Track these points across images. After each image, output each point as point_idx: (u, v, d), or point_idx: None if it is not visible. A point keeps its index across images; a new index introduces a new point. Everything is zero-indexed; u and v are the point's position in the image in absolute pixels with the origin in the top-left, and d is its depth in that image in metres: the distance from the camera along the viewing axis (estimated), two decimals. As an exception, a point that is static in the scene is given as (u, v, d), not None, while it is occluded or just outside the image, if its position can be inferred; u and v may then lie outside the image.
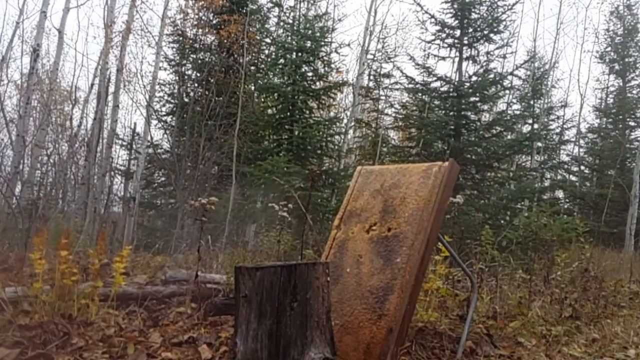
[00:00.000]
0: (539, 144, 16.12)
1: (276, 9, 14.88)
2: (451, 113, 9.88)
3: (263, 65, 13.26)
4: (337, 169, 10.87)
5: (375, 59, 17.77)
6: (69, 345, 2.58)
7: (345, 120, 15.35)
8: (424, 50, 12.42)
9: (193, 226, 10.66)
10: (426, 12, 10.50)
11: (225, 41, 12.47)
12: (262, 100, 12.37)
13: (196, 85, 13.45)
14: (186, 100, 13.11)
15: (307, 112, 9.85)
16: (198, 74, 13.21)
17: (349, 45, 21.03)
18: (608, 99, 20.55)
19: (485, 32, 10.26)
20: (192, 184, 11.34)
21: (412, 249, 2.68)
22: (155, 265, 5.49)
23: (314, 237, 5.94)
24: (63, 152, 14.50)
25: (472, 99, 10.04)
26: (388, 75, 17.05)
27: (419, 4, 10.47)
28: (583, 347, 3.28)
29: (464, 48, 10.41)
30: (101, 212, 12.31)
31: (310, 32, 10.09)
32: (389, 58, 17.50)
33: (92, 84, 15.24)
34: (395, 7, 56.34)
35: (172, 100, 13.58)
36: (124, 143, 15.54)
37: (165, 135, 13.72)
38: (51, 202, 13.35)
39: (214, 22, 13.30)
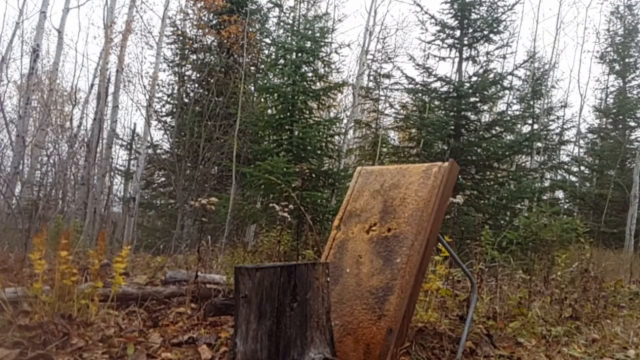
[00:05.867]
0: (539, 144, 16.13)
1: (276, 9, 14.90)
2: (451, 113, 9.89)
3: (263, 66, 13.26)
4: (337, 169, 10.87)
5: (375, 59, 17.80)
6: (68, 346, 2.58)
7: (345, 121, 15.36)
8: (424, 51, 12.48)
9: (193, 226, 10.68)
10: (426, 13, 10.53)
11: (225, 41, 12.48)
12: (262, 100, 12.38)
13: (196, 85, 13.47)
14: (186, 100, 13.12)
15: (307, 112, 9.83)
16: (198, 75, 13.22)
17: (348, 45, 21.11)
18: (608, 99, 20.57)
19: (485, 33, 10.27)
20: (192, 184, 11.34)
21: (412, 249, 2.68)
22: (155, 265, 5.50)
23: (314, 237, 5.94)
24: (63, 152, 14.50)
25: (472, 99, 10.04)
26: (388, 76, 17.09)
27: (418, 5, 10.50)
28: (583, 347, 3.28)
29: (464, 48, 10.42)
30: (101, 212, 12.30)
31: (310, 32, 10.09)
32: (389, 58, 17.54)
33: (92, 85, 15.25)
34: (395, 7, 56.50)
35: (172, 101, 13.60)
36: (124, 143, 15.59)
37: (165, 136, 13.75)
38: (51, 202, 13.35)
39: (214, 22, 13.31)
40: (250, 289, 2.14)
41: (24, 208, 9.03)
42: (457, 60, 10.66)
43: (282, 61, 10.12)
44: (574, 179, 18.99)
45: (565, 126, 19.35)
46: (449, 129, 9.60)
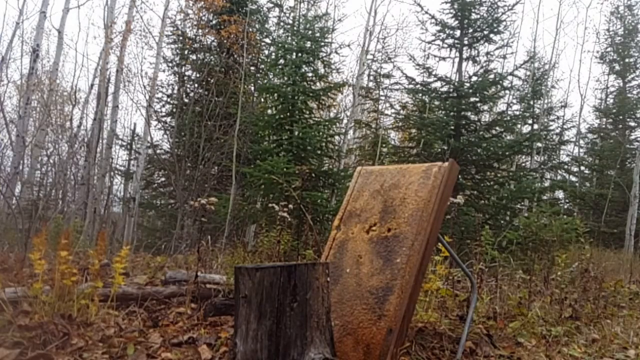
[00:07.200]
0: (539, 145, 16.13)
1: (276, 9, 14.91)
2: (451, 113, 9.89)
3: (263, 66, 13.26)
4: (337, 170, 10.86)
5: (375, 59, 17.81)
6: (68, 346, 2.58)
7: (345, 121, 15.36)
8: (424, 51, 12.49)
9: (193, 226, 10.67)
10: (426, 13, 10.52)
11: (225, 41, 12.49)
12: (262, 100, 12.37)
13: (196, 85, 13.46)
14: (186, 100, 13.12)
15: (307, 112, 9.82)
16: (198, 75, 13.22)
17: (348, 46, 21.13)
18: (608, 99, 20.58)
19: (485, 33, 10.27)
20: (192, 184, 11.34)
21: (412, 249, 2.68)
22: (155, 265, 5.50)
23: (314, 237, 5.94)
24: (63, 152, 14.50)
25: (472, 99, 10.03)
26: (388, 76, 17.10)
27: (419, 5, 10.49)
28: (583, 347, 3.28)
29: (464, 48, 10.41)
30: (101, 212, 12.31)
31: (310, 32, 10.08)
32: (389, 58, 17.54)
33: (92, 85, 15.27)
34: (396, 7, 56.55)
35: (172, 101, 13.60)
36: (124, 143, 15.58)
37: (165, 136, 13.74)
38: (51, 202, 13.35)
39: (214, 22, 13.31)
40: (250, 289, 2.14)
41: (24, 208, 9.03)
42: (457, 60, 10.66)
43: (282, 61, 10.11)
44: (574, 179, 18.99)
45: (565, 126, 19.38)
46: (449, 129, 9.59)
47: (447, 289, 3.88)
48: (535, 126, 17.22)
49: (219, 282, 3.94)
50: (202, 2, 12.91)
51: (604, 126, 20.22)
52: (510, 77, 10.80)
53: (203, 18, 13.31)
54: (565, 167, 18.74)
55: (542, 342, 3.36)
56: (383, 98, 17.31)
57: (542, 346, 3.28)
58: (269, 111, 10.64)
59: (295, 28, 11.27)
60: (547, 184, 17.22)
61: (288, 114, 9.33)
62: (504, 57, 13.48)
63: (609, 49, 20.18)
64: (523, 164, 16.57)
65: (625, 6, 19.72)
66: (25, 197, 11.18)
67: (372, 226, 2.89)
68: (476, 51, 10.53)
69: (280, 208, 4.76)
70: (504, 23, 10.37)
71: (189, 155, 11.87)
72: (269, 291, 2.12)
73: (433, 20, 10.45)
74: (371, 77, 17.68)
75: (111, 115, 12.42)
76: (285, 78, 9.67)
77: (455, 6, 10.11)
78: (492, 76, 10.38)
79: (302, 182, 7.46)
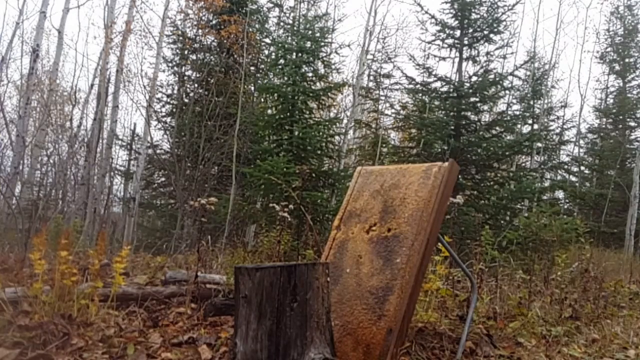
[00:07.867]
0: (539, 145, 16.12)
1: (276, 9, 14.92)
2: (451, 113, 9.89)
3: (263, 66, 13.26)
4: (337, 170, 10.86)
5: (375, 59, 17.82)
6: (68, 346, 2.58)
7: (345, 121, 15.36)
8: (424, 51, 12.48)
9: (193, 226, 10.67)
10: (426, 13, 10.52)
11: (225, 41, 12.49)
12: (262, 100, 12.37)
13: (196, 85, 13.47)
14: (186, 100, 13.12)
15: (307, 112, 9.82)
16: (198, 75, 13.22)
17: (349, 46, 21.16)
18: (608, 99, 20.58)
19: (486, 33, 10.27)
20: (192, 184, 11.34)
21: (412, 249, 2.68)
22: (155, 265, 5.50)
23: (314, 237, 5.94)
24: (63, 152, 14.50)
25: (472, 99, 10.03)
26: (388, 76, 17.12)
27: (419, 4, 10.49)
28: (583, 347, 3.28)
29: (464, 48, 10.41)
30: (101, 212, 12.30)
31: (310, 32, 10.08)
32: (389, 58, 17.55)
33: (92, 85, 15.27)
34: (396, 7, 56.56)
35: (172, 101, 13.60)
36: (124, 143, 15.58)
37: (165, 136, 13.74)
38: (51, 202, 13.34)
39: (214, 22, 13.32)
40: (250, 289, 2.14)
41: (24, 208, 9.03)
42: (457, 60, 10.66)
43: (282, 61, 10.11)
44: (574, 179, 18.99)
45: (565, 126, 19.38)
46: (449, 129, 9.59)
47: (447, 289, 3.88)
48: (535, 126, 17.22)
49: (219, 282, 3.94)
50: (202, 2, 12.91)
51: (604, 126, 20.22)
52: (510, 77, 10.81)
53: (203, 18, 13.31)
54: (565, 167, 18.73)
55: (542, 342, 3.36)
56: (383, 98, 17.33)
57: (542, 346, 3.27)
58: (269, 111, 10.64)
59: (295, 28, 11.27)
60: (547, 184, 17.21)
61: (288, 114, 9.33)
62: (504, 57, 13.49)
63: (609, 49, 20.19)
64: (523, 164, 16.57)
65: (625, 6, 19.73)
66: (25, 197, 11.18)
67: (372, 226, 2.89)
68: (476, 51, 10.53)
69: (280, 208, 4.76)
70: (504, 23, 10.38)
71: (189, 155, 11.87)
72: (269, 291, 2.12)
73: (433, 20, 10.46)
74: (371, 77, 17.70)
75: (111, 115, 12.42)
76: (285, 78, 9.67)
77: (455, 6, 10.11)
78: (492, 76, 10.38)
79: (302, 182, 7.47)
